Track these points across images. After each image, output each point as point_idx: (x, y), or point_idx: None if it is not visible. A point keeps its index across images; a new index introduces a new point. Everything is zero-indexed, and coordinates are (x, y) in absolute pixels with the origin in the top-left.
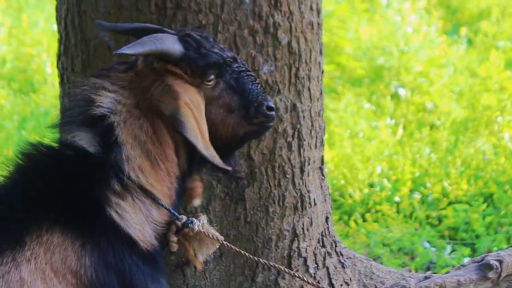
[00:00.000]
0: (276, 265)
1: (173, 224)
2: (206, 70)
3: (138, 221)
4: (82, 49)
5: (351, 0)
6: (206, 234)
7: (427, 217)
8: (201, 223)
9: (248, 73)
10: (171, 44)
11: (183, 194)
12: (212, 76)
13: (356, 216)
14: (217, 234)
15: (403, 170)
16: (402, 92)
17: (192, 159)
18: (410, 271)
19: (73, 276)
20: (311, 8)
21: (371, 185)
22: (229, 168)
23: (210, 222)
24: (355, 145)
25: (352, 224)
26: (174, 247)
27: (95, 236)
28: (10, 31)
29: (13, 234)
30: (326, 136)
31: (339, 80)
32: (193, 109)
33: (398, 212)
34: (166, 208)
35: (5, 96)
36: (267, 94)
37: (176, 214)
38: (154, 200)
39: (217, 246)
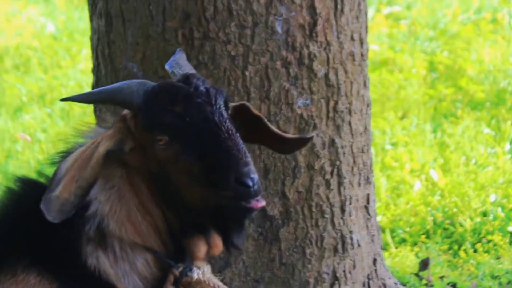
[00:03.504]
0: None
1: (171, 273)
2: (152, 128)
3: (120, 271)
4: (112, 80)
5: (477, 21)
6: (207, 283)
7: None
8: (201, 271)
9: (221, 137)
10: (128, 94)
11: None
12: (161, 137)
13: (467, 246)
14: (220, 283)
15: None
16: None
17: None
18: None
19: None
20: (352, 38)
21: (484, 214)
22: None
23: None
24: (469, 171)
25: (462, 254)
26: None
27: (71, 281)
28: None
29: None
30: (441, 162)
31: (459, 103)
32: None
33: (510, 243)
34: (156, 255)
35: None
36: (244, 165)
37: (171, 262)
38: (141, 249)
39: None
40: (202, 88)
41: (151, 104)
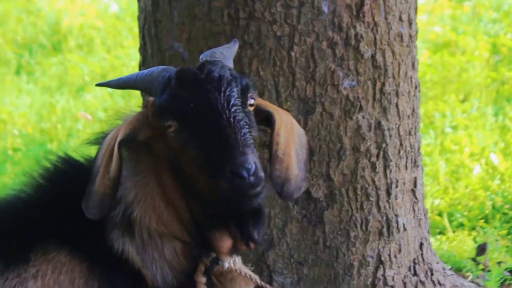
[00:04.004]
0: None
1: (201, 263)
2: (162, 114)
3: (149, 258)
4: (158, 60)
5: None
6: (238, 272)
7: None
8: (233, 260)
9: (221, 125)
10: (149, 81)
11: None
12: (170, 123)
13: None
14: (252, 273)
15: None
16: None
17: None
18: None
19: None
20: (400, 19)
21: None
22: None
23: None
24: None
25: None
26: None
27: (101, 262)
28: None
29: (19, 249)
30: (502, 146)
31: None
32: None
33: None
34: (186, 244)
35: None
36: (241, 155)
37: (201, 251)
38: (169, 237)
39: (252, 287)
40: (215, 74)
41: (164, 89)
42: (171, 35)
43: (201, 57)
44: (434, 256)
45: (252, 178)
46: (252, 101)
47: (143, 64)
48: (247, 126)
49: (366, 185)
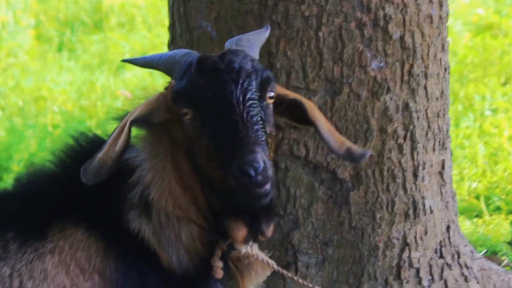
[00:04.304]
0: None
1: (218, 247)
2: (178, 99)
3: (165, 240)
4: (187, 39)
5: None
6: (255, 257)
7: None
8: (250, 245)
9: (233, 119)
10: (172, 64)
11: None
12: (186, 110)
13: None
14: (268, 259)
15: None
16: None
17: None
18: None
19: (100, 277)
20: (430, 0)
21: None
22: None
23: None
24: None
25: None
26: (219, 273)
27: (117, 241)
28: None
29: (37, 224)
30: None
31: None
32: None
33: None
34: (203, 228)
35: None
36: (249, 152)
37: (218, 237)
38: (186, 221)
39: (269, 274)
40: (235, 65)
41: (183, 74)
42: (200, 13)
43: (226, 44)
44: (462, 239)
45: (259, 177)
46: (272, 94)
47: (171, 43)
48: (261, 122)
49: (393, 167)
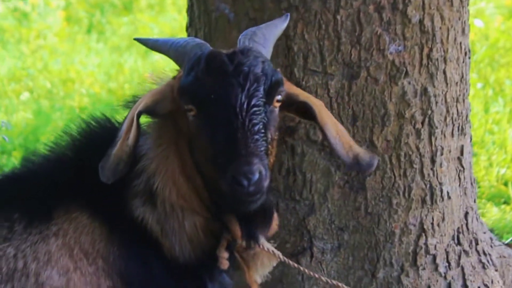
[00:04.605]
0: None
1: (224, 238)
2: (183, 94)
3: (169, 228)
4: (204, 22)
5: None
6: (261, 247)
7: None
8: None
9: (233, 127)
10: (182, 53)
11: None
12: (189, 106)
13: None
14: (274, 249)
15: None
16: None
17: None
18: None
19: (104, 262)
20: None
21: None
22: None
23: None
24: None
25: None
26: (224, 264)
27: (121, 228)
28: None
29: (42, 206)
30: None
31: None
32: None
33: None
34: (208, 219)
35: None
36: (245, 164)
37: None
38: (190, 211)
39: (274, 264)
40: (244, 68)
41: (192, 68)
42: None
43: (240, 37)
44: (481, 225)
45: (252, 188)
46: (280, 97)
47: (190, 26)
48: (262, 131)
49: (410, 152)
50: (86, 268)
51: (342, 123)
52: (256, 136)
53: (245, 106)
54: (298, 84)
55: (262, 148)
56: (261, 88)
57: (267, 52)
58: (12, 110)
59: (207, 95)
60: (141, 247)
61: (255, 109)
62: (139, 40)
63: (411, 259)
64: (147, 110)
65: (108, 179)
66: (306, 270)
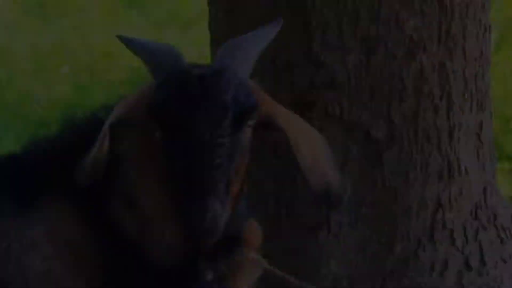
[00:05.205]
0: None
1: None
2: (150, 113)
3: (147, 233)
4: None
5: None
6: (245, 256)
7: None
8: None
9: (194, 160)
10: (152, 64)
11: None
12: (156, 125)
13: None
14: (260, 257)
15: None
16: None
17: None
18: None
19: (85, 253)
20: None
21: None
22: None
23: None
24: None
25: None
26: (208, 272)
27: (101, 225)
28: None
29: (28, 192)
30: None
31: None
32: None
33: None
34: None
35: None
36: (198, 201)
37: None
38: (167, 216)
39: (260, 272)
40: (213, 93)
41: (164, 82)
42: None
43: (218, 52)
44: (501, 201)
45: (203, 228)
46: (252, 122)
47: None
48: (224, 166)
49: (428, 127)
50: (67, 257)
51: (360, 99)
52: (214, 172)
53: (207, 136)
54: (316, 60)
55: (221, 185)
56: (228, 119)
57: (248, 68)
58: (51, 84)
59: (171, 119)
60: (120, 248)
61: (218, 140)
62: (121, 38)
63: (428, 233)
64: (120, 123)
65: (81, 182)
66: (292, 279)
